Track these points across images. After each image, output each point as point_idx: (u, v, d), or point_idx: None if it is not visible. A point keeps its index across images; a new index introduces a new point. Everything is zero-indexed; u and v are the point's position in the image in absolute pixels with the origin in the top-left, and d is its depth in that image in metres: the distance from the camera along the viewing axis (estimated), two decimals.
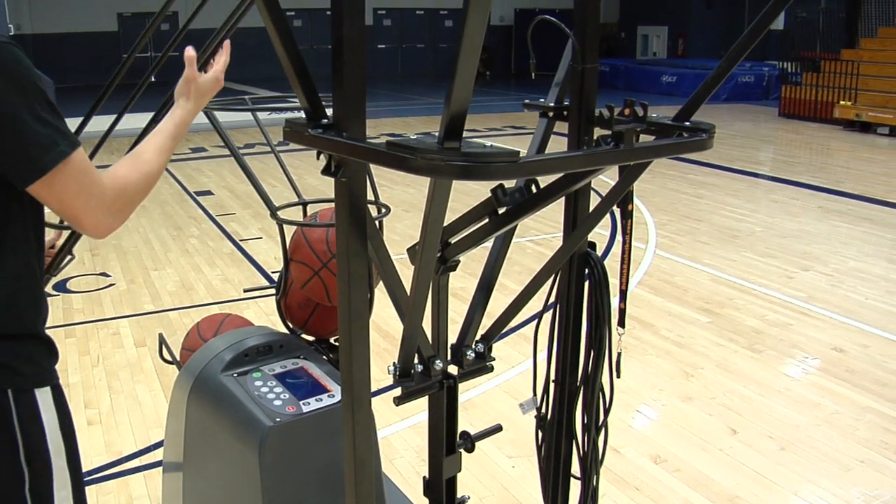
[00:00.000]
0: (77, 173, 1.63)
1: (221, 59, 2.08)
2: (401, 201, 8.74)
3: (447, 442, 1.94)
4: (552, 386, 2.18)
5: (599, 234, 6.77)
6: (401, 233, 7.64)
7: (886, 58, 16.81)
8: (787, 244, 7.78)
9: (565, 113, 1.88)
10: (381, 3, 26.14)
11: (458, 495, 2.06)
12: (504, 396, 4.49)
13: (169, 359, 2.97)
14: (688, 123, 1.62)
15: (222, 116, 2.70)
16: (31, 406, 1.72)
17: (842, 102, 16.47)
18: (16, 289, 1.72)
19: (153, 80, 2.39)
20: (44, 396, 1.75)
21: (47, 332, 1.82)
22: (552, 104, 1.89)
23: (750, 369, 4.97)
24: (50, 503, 1.75)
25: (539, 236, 7.60)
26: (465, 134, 1.22)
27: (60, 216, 1.72)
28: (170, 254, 7.48)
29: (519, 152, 1.18)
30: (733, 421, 4.31)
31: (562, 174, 1.52)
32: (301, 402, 2.33)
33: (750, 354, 5.19)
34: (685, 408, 4.47)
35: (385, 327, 5.15)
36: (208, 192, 10.09)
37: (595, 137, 1.84)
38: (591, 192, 2.01)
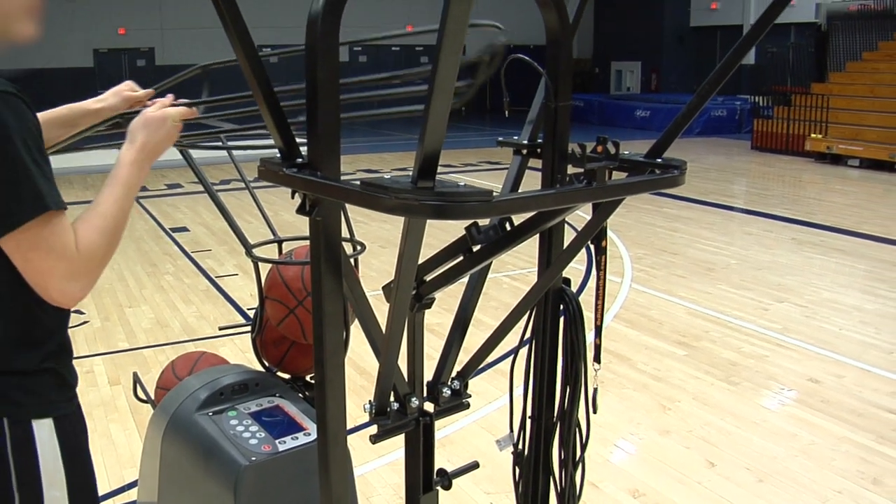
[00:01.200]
0: (51, 233, 1.60)
1: (169, 97, 2.04)
2: (377, 237, 8.75)
3: (424, 479, 1.93)
4: (529, 422, 2.18)
5: (575, 269, 6.81)
6: (377, 269, 7.64)
7: (855, 91, 17.10)
8: (762, 276, 7.85)
9: (539, 150, 1.89)
10: (356, 39, 26.30)
11: None
12: (481, 432, 4.48)
13: (143, 397, 2.95)
14: (659, 160, 1.64)
15: (197, 153, 2.70)
16: (24, 436, 1.72)
17: (813, 135, 16.70)
18: (13, 328, 1.72)
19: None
20: (42, 427, 1.75)
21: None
22: (526, 142, 1.91)
23: (726, 401, 4.98)
24: None
25: (515, 271, 7.62)
26: (441, 170, 1.23)
27: (25, 277, 1.65)
28: (145, 291, 7.43)
29: (492, 192, 1.19)
30: (711, 453, 4.31)
31: (535, 212, 1.53)
32: (277, 441, 2.32)
33: (726, 387, 5.20)
34: (663, 441, 4.47)
35: (361, 364, 5.14)
36: (184, 229, 10.06)
37: (568, 175, 1.86)
38: (567, 227, 2.03)
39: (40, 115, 1.86)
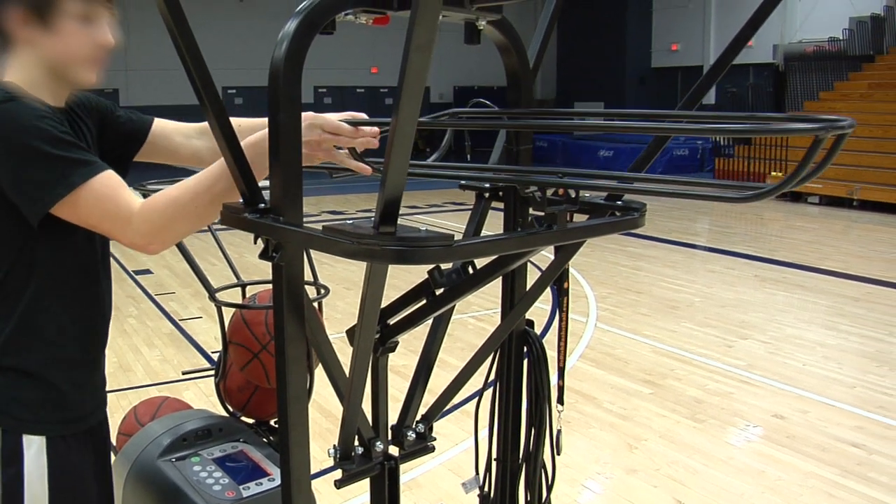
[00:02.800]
0: (94, 200, 1.70)
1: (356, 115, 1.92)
2: (342, 279, 8.73)
3: None
4: (494, 464, 2.17)
5: (540, 309, 6.83)
6: (342, 311, 7.61)
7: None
8: (726, 313, 7.91)
9: (501, 193, 1.91)
10: (321, 81, 26.37)
11: None
12: (448, 475, 4.45)
13: None
14: (620, 203, 1.66)
15: None
16: (13, 449, 1.78)
17: (773, 173, 16.96)
18: (17, 326, 1.81)
19: None
20: (31, 444, 1.80)
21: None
22: (487, 185, 1.93)
23: (693, 439, 5.00)
24: None
25: (480, 312, 7.63)
26: (406, 211, 1.24)
27: None
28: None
29: (453, 236, 1.20)
30: (678, 492, 4.32)
31: (497, 256, 1.54)
32: (241, 487, 2.29)
33: (693, 424, 5.22)
34: (630, 480, 4.47)
35: (327, 406, 5.10)
36: (147, 271, 9.97)
37: (531, 217, 1.88)
38: (531, 267, 2.04)
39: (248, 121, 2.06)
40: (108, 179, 1.72)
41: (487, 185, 1.90)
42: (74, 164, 1.69)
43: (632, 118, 1.58)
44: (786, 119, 1.22)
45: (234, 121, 2.07)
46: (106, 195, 1.70)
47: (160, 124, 2.18)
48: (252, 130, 1.88)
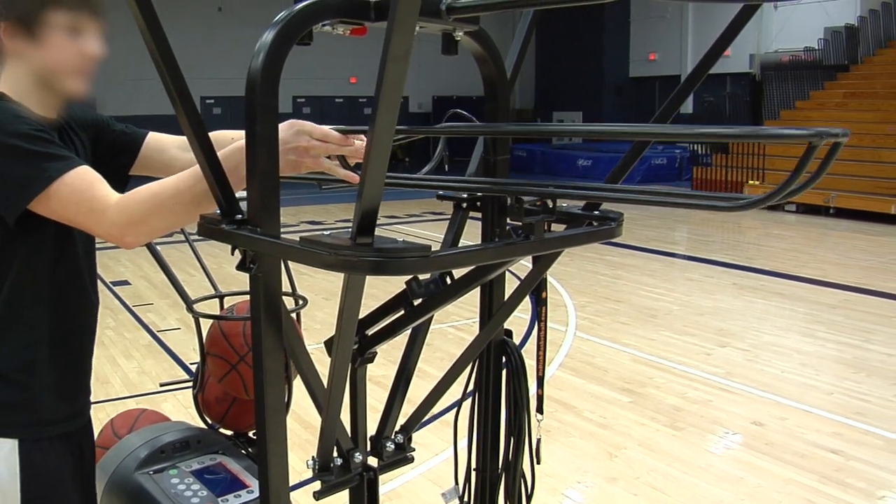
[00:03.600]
0: (70, 193, 1.71)
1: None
2: (321, 289, 8.70)
3: None
4: (473, 474, 2.17)
5: (520, 318, 6.84)
6: (321, 321, 7.59)
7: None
8: (704, 321, 7.95)
9: (479, 203, 1.91)
10: (300, 91, 26.34)
11: None
12: (428, 485, 4.44)
13: None
14: (597, 212, 1.67)
15: None
16: None
17: (750, 182, 17.08)
18: None
19: None
20: (3, 446, 1.81)
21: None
22: (465, 195, 1.93)
23: (673, 447, 5.01)
24: None
25: (460, 322, 7.63)
26: (385, 221, 1.24)
27: None
28: None
29: (430, 247, 1.20)
30: (658, 500, 4.33)
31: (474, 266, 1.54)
32: (219, 499, 2.28)
33: (672, 432, 5.24)
34: (610, 489, 4.48)
35: (307, 417, 5.08)
36: (125, 282, 9.91)
37: (508, 226, 1.88)
38: (510, 276, 2.05)
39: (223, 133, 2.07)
40: (85, 173, 1.73)
41: (465, 196, 1.90)
42: (49, 159, 1.70)
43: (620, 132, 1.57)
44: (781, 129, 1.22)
45: (227, 133, 2.08)
46: (82, 188, 1.71)
47: (155, 137, 2.19)
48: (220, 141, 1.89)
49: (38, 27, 1.79)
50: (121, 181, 2.12)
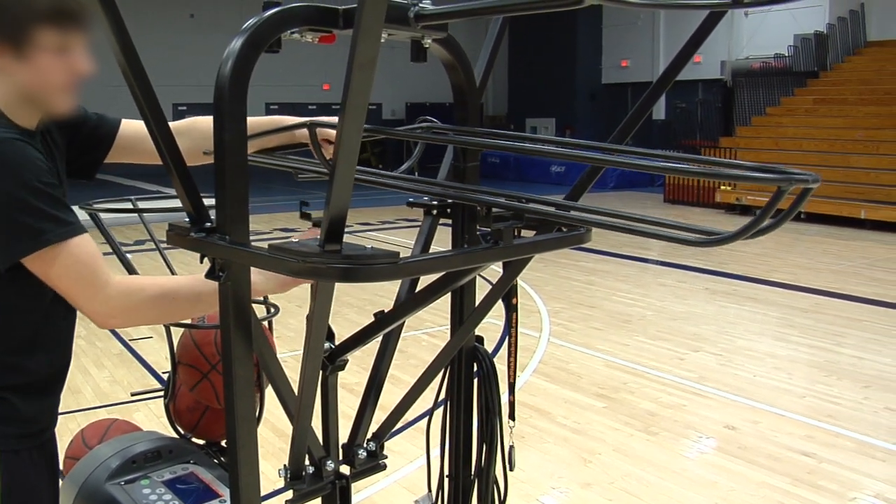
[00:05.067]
0: (70, 261, 1.70)
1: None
2: (293, 296, 8.57)
3: None
4: (447, 481, 2.17)
5: (493, 324, 6.83)
6: (295, 329, 7.55)
7: (761, 144, 17.75)
8: (677, 326, 7.99)
9: (449, 210, 1.91)
10: (273, 98, 26.26)
11: None
12: (402, 492, 4.43)
13: None
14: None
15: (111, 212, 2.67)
16: None
17: (723, 187, 17.22)
18: None
19: None
20: None
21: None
22: (435, 202, 1.93)
23: (647, 452, 5.03)
24: None
25: (434, 328, 7.62)
26: (358, 228, 1.24)
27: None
28: None
29: (398, 253, 1.20)
30: None
31: (444, 272, 1.54)
32: None
33: (646, 437, 5.26)
34: (585, 494, 4.49)
35: (279, 426, 5.06)
36: None
37: (478, 232, 1.88)
38: (482, 283, 2.05)
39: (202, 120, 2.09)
40: (87, 243, 1.74)
41: (435, 202, 1.90)
42: (52, 221, 1.70)
43: (584, 148, 1.58)
44: (750, 168, 1.24)
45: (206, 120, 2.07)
46: (85, 260, 1.72)
47: (130, 126, 2.17)
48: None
49: (26, 46, 1.75)
50: (93, 171, 2.12)
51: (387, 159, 27.49)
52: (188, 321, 2.69)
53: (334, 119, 2.00)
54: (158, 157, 2.18)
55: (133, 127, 2.18)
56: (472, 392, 2.07)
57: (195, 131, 2.11)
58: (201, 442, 2.80)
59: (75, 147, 2.07)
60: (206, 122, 2.04)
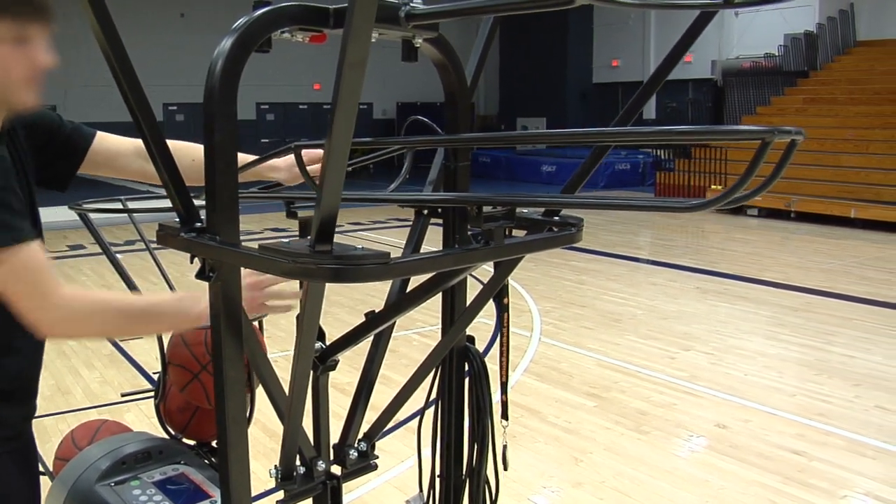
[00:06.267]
0: (21, 267, 1.68)
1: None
2: None
3: None
4: (438, 481, 2.17)
5: (484, 324, 6.83)
6: (285, 329, 7.53)
7: (751, 144, 17.74)
8: (668, 326, 8.00)
9: (439, 210, 1.91)
10: (263, 98, 26.22)
11: None
12: (394, 492, 4.43)
13: (41, 469, 2.84)
14: (557, 218, 1.67)
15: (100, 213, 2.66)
16: None
17: (713, 186, 17.25)
18: None
19: None
20: None
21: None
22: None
23: (638, 451, 5.04)
24: None
25: (425, 328, 7.61)
26: (350, 228, 1.23)
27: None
28: (45, 356, 7.17)
29: (389, 254, 1.20)
30: (624, 503, 4.35)
31: (434, 273, 1.54)
32: None
33: (637, 436, 5.27)
34: (576, 493, 4.49)
35: (271, 426, 5.04)
36: None
37: (469, 232, 1.88)
38: (473, 283, 2.05)
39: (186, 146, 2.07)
40: (38, 252, 1.72)
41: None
42: (4, 227, 1.68)
43: (577, 135, 1.58)
44: (736, 128, 1.24)
45: (189, 147, 2.07)
46: (34, 267, 1.70)
47: (104, 140, 2.15)
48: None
49: None
50: (66, 181, 2.10)
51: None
52: None
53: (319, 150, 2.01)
54: (133, 173, 2.18)
55: (108, 141, 2.15)
56: (464, 392, 2.07)
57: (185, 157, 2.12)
58: (192, 442, 2.79)
59: (49, 153, 2.04)
60: (185, 149, 2.05)
